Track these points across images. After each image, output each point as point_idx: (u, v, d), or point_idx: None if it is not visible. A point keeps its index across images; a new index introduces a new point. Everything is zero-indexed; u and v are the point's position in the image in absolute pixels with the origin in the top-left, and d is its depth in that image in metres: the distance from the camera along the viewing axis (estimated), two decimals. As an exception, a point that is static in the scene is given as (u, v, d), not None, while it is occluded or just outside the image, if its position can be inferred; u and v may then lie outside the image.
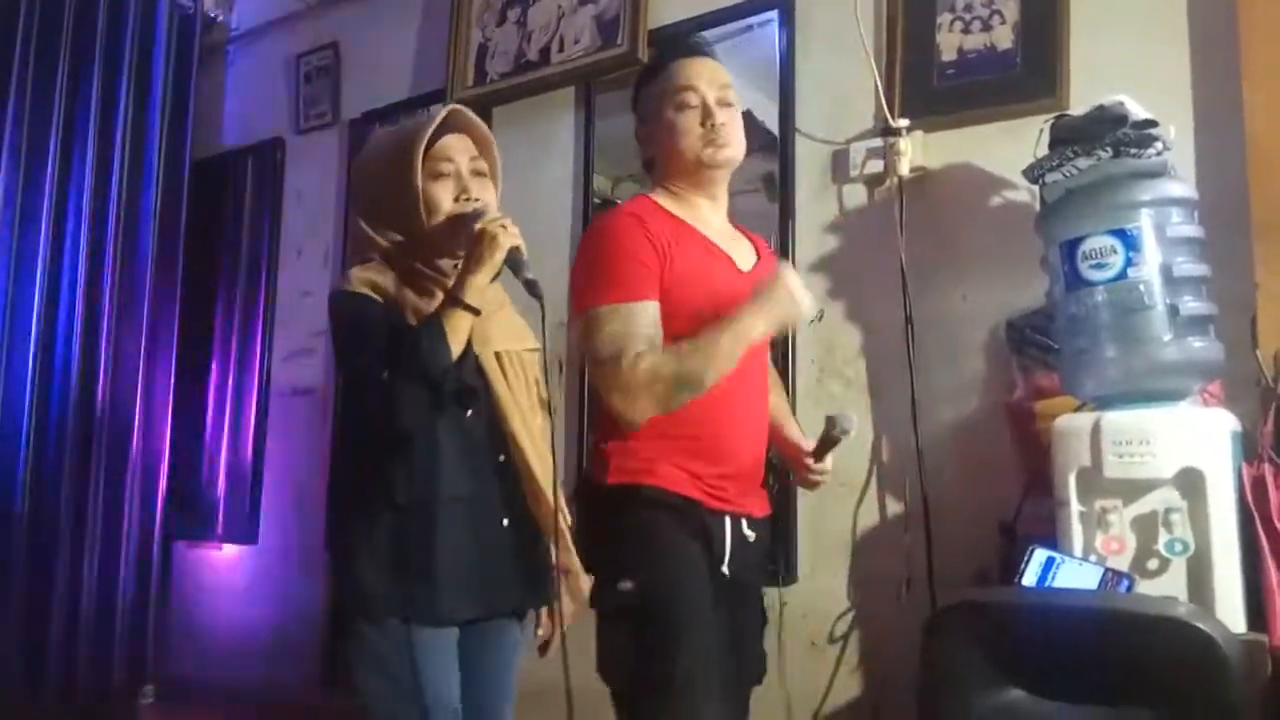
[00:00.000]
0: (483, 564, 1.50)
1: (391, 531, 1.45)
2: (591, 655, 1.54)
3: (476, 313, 1.45)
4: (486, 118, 3.09)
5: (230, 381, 3.72)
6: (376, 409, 1.41)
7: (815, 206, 2.50)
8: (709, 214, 1.71)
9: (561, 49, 2.96)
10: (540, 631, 1.66)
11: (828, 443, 1.71)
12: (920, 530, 2.23)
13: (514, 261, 1.47)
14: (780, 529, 2.44)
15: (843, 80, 2.49)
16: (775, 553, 2.43)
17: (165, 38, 3.65)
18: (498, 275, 1.49)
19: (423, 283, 1.53)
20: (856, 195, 2.46)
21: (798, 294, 1.53)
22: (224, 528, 3.67)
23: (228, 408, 3.71)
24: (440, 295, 1.50)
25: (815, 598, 2.40)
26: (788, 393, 2.46)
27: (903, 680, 1.94)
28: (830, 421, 1.67)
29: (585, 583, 1.60)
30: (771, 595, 2.43)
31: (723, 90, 1.68)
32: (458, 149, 1.56)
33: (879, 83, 2.40)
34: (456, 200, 1.53)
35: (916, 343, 2.29)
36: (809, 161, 2.53)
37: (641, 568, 1.54)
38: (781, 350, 2.46)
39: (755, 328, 1.52)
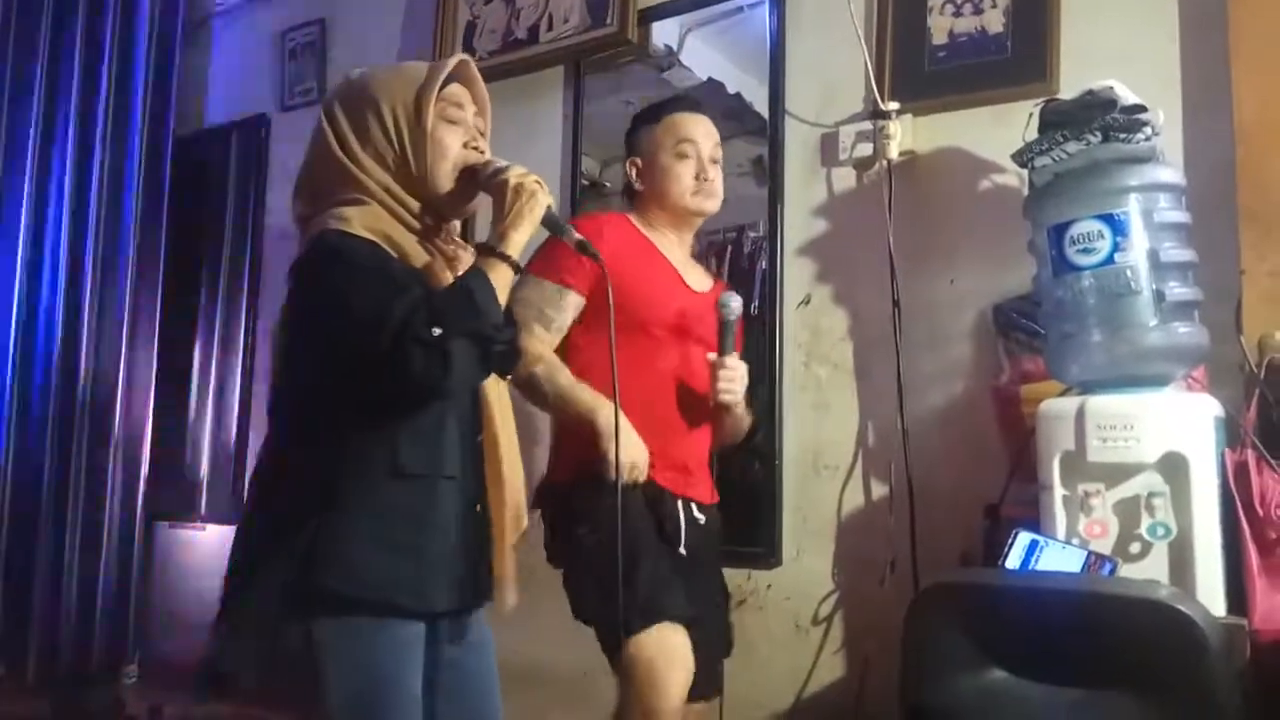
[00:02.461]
0: (464, 550, 1.37)
1: (387, 505, 1.29)
2: (575, 631, 1.59)
3: (519, 270, 1.35)
4: (474, 96, 3.09)
5: (214, 360, 3.70)
6: (421, 368, 1.20)
7: (804, 190, 2.50)
8: (674, 247, 1.98)
9: (550, 27, 2.93)
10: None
11: (720, 329, 1.85)
12: (905, 513, 2.23)
13: (552, 221, 1.39)
14: (765, 511, 2.46)
15: (833, 63, 2.48)
16: (760, 535, 2.45)
17: (148, 11, 3.60)
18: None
19: (434, 245, 1.38)
20: (845, 179, 2.45)
21: (632, 448, 1.73)
22: (207, 507, 3.65)
23: (211, 386, 3.68)
24: (444, 262, 1.37)
25: (799, 580, 2.40)
26: (773, 378, 2.48)
27: (886, 662, 1.95)
28: (719, 304, 1.85)
29: (512, 595, 1.48)
30: (756, 578, 2.45)
31: (715, 149, 1.95)
32: (465, 98, 1.43)
33: (869, 65, 2.39)
34: (465, 147, 1.40)
35: (903, 326, 2.29)
36: (798, 145, 2.52)
37: (594, 518, 1.71)
38: (768, 334, 2.46)
39: (594, 423, 1.73)
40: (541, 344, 1.80)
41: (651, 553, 1.73)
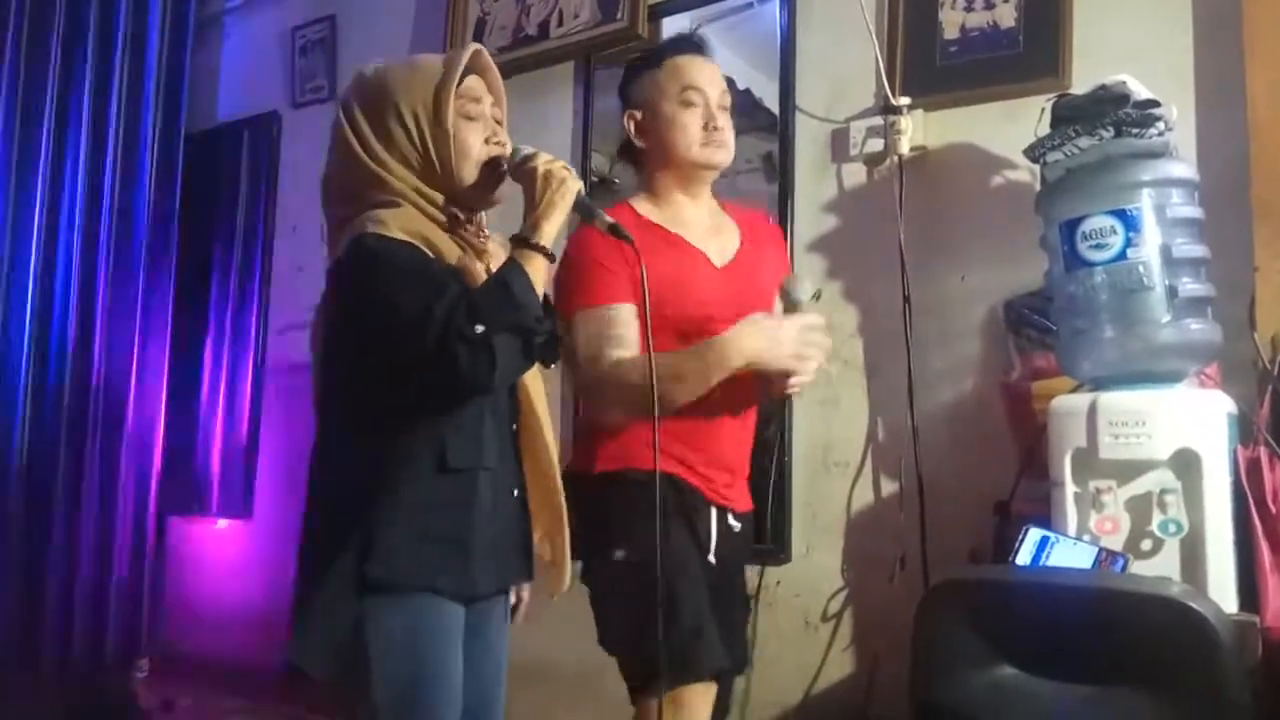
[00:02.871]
0: (501, 535, 1.40)
1: (434, 497, 1.32)
2: (581, 628, 1.55)
3: (553, 259, 1.35)
4: (484, 93, 3.09)
5: (225, 355, 3.71)
6: (468, 365, 1.22)
7: (814, 186, 2.49)
8: (689, 213, 1.76)
9: (560, 23, 2.93)
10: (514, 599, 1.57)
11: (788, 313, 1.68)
12: (915, 509, 2.23)
13: (584, 206, 1.38)
14: (775, 508, 2.46)
15: (843, 58, 2.48)
16: (770, 531, 2.44)
17: (160, 9, 3.61)
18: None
19: (464, 239, 1.40)
20: (856, 174, 2.45)
21: (787, 342, 1.58)
22: (218, 502, 3.67)
23: (222, 382, 3.70)
24: (475, 256, 1.38)
25: (809, 576, 2.40)
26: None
27: (896, 659, 1.95)
28: (782, 292, 1.69)
29: (567, 572, 1.53)
30: (766, 574, 2.45)
31: (724, 95, 1.73)
32: (482, 90, 1.43)
33: (880, 60, 2.39)
34: (487, 143, 1.40)
35: (914, 322, 2.29)
36: (808, 140, 2.52)
37: (631, 535, 1.58)
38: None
39: (731, 359, 1.57)
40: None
41: (693, 587, 1.58)
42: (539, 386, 1.48)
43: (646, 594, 1.49)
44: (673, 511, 1.60)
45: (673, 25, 2.81)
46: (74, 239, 3.37)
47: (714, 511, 1.68)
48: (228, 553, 3.63)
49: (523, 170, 1.37)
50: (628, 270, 1.58)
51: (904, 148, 2.32)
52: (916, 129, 2.32)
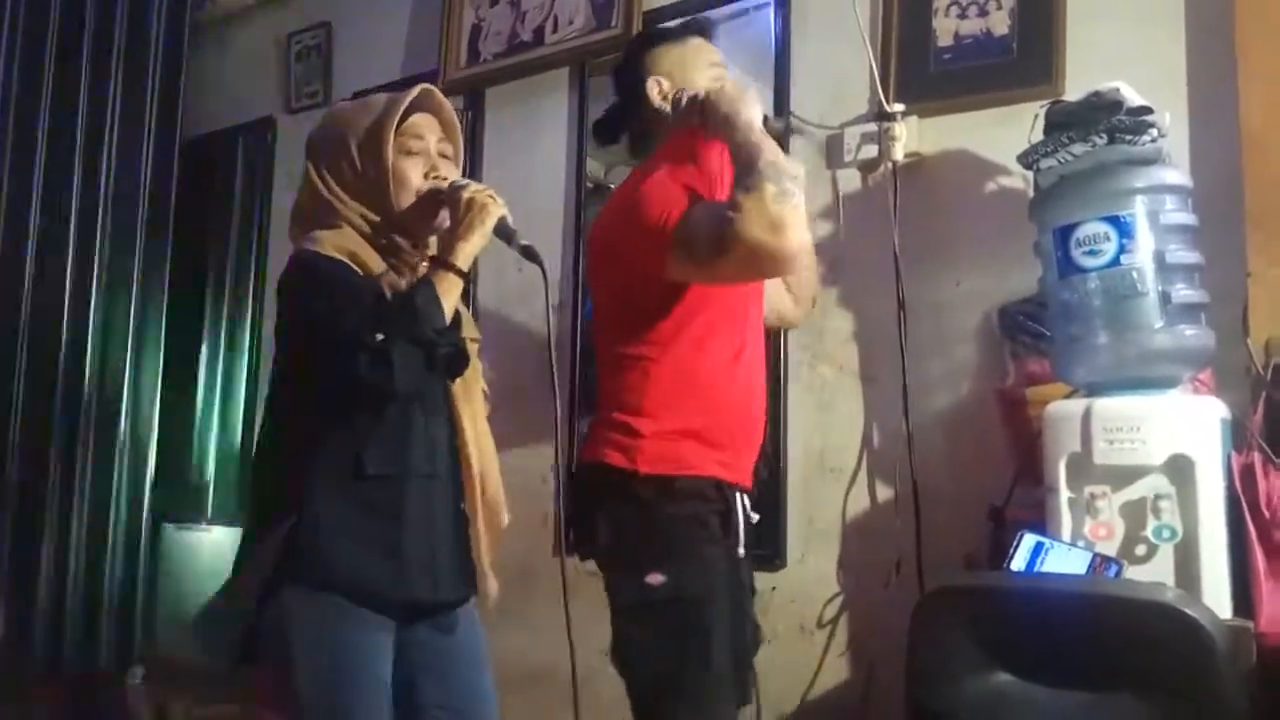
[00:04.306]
0: (439, 546, 1.46)
1: (356, 503, 1.39)
2: (580, 634, 1.55)
3: (466, 278, 1.43)
4: (479, 99, 3.10)
5: (220, 362, 3.70)
6: (367, 372, 1.31)
7: (809, 192, 2.47)
8: None
9: (555, 29, 2.94)
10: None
11: None
12: (910, 515, 2.23)
13: (504, 230, 1.47)
14: (770, 514, 2.45)
15: (838, 65, 2.48)
16: (765, 537, 2.44)
17: (156, 15, 3.60)
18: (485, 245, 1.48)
19: (398, 260, 1.50)
20: (850, 180, 2.45)
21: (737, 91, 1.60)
22: (213, 509, 3.66)
23: (217, 388, 3.69)
24: (412, 274, 1.49)
25: (804, 582, 2.40)
26: (779, 379, 2.48)
27: (891, 664, 1.95)
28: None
29: (493, 586, 1.59)
30: (761, 580, 2.44)
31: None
32: (427, 127, 1.55)
33: (874, 67, 2.39)
34: (426, 178, 1.52)
35: (908, 328, 2.29)
36: (803, 147, 2.52)
37: (674, 563, 1.54)
38: (773, 335, 2.46)
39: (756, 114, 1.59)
40: None
41: (728, 614, 1.55)
42: (476, 404, 1.56)
43: (682, 633, 1.49)
44: (713, 524, 1.59)
45: (668, 32, 2.81)
46: (68, 243, 3.36)
47: (740, 501, 1.66)
48: (222, 560, 3.61)
49: (453, 198, 1.48)
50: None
51: (898, 154, 2.32)
52: (911, 135, 2.33)
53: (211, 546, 3.66)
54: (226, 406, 3.67)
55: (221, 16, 3.89)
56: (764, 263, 1.51)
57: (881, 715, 2.19)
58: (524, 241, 1.48)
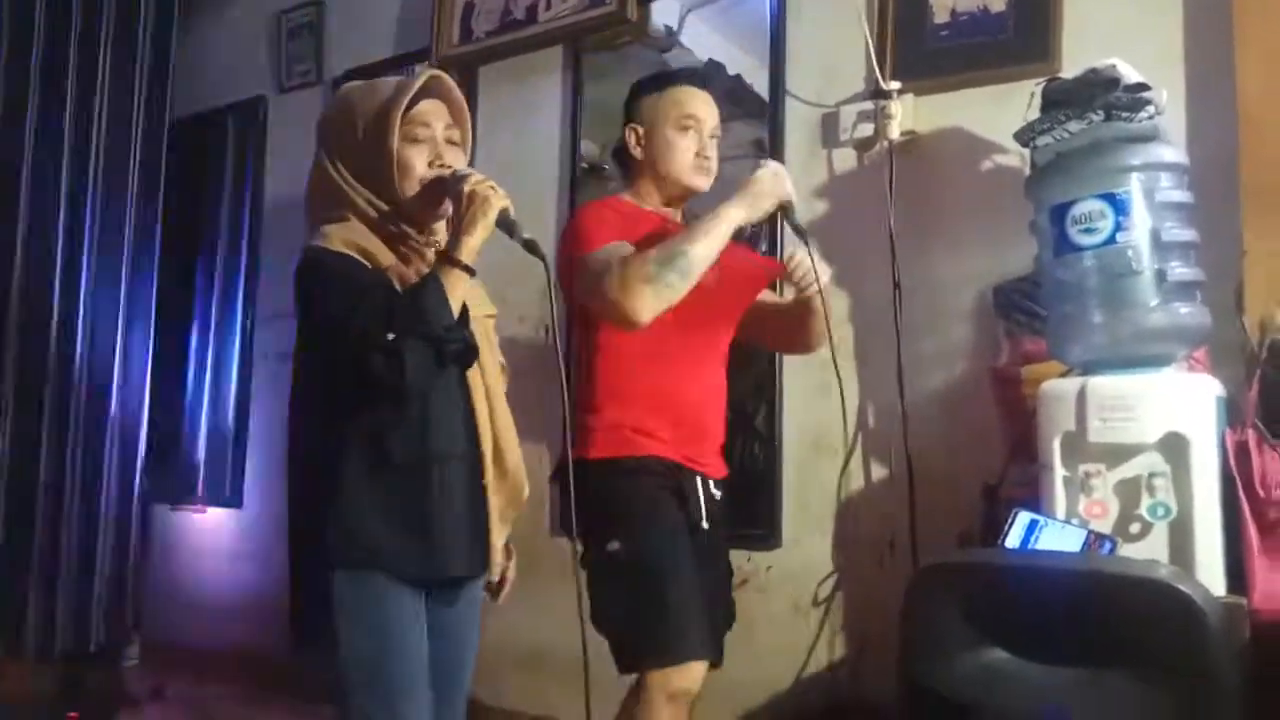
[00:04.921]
0: (471, 522, 1.52)
1: (387, 488, 1.44)
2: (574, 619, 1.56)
3: (472, 273, 1.45)
4: (472, 77, 3.07)
5: (211, 343, 3.69)
6: (382, 370, 1.35)
7: (804, 171, 2.48)
8: (670, 223, 1.94)
9: (549, 7, 2.91)
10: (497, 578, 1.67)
11: (796, 232, 1.87)
12: (904, 494, 2.23)
13: (506, 222, 1.46)
14: (765, 493, 2.46)
15: (833, 43, 2.47)
16: (760, 517, 2.44)
17: (146, -9, 3.57)
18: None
19: (405, 248, 1.52)
20: (846, 160, 2.44)
21: (776, 178, 1.77)
22: (205, 490, 3.65)
23: (208, 370, 3.67)
24: (420, 261, 1.50)
25: (799, 561, 2.41)
26: (774, 360, 2.48)
27: (885, 642, 1.95)
28: (783, 211, 1.84)
29: (501, 564, 1.65)
30: (756, 559, 2.45)
31: (716, 127, 1.92)
32: (435, 115, 1.55)
33: (870, 45, 2.38)
34: (430, 166, 1.52)
35: (904, 308, 2.29)
36: (798, 125, 2.51)
37: (626, 530, 1.74)
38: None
39: (734, 213, 1.73)
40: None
41: (684, 569, 1.72)
42: (495, 385, 1.59)
43: (637, 586, 1.69)
44: (664, 495, 1.77)
45: (662, 9, 2.79)
46: (58, 224, 3.33)
47: (699, 481, 1.83)
48: (215, 542, 3.61)
49: (454, 190, 1.48)
50: (629, 229, 1.80)
51: (894, 132, 2.31)
52: (907, 114, 2.32)
53: (205, 528, 3.66)
54: (217, 387, 3.66)
55: (212, -6, 3.86)
56: (617, 321, 1.71)
57: (874, 693, 2.20)
58: (527, 235, 1.48)
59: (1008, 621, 1.55)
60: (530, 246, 1.48)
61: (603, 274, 1.69)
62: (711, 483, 1.87)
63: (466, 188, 1.45)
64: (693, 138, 1.88)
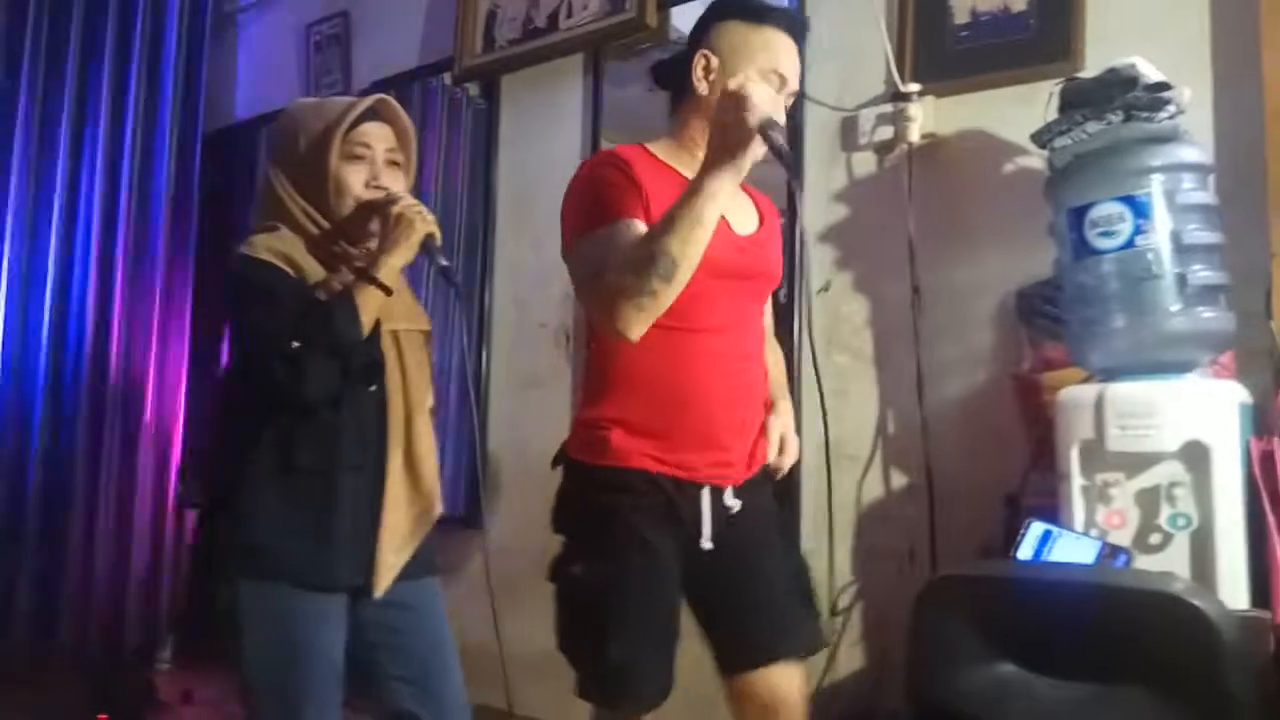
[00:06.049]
0: (369, 532, 1.51)
1: (288, 495, 1.46)
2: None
3: (389, 292, 1.48)
4: (495, 85, 3.09)
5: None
6: (283, 378, 1.40)
7: (823, 175, 2.45)
8: None
9: (570, 15, 2.92)
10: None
11: (778, 157, 1.38)
12: (924, 503, 2.20)
13: (429, 247, 1.51)
14: (785, 502, 2.42)
15: (853, 44, 2.44)
16: (779, 525, 2.41)
17: (178, 8, 3.64)
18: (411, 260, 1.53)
19: (332, 259, 1.55)
20: (866, 163, 2.41)
21: (741, 103, 1.33)
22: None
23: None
24: (347, 273, 1.53)
25: (819, 570, 2.36)
26: (794, 362, 2.44)
27: (904, 653, 1.92)
28: (764, 135, 1.38)
29: (387, 580, 1.58)
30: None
31: (795, 82, 1.60)
32: (377, 136, 1.57)
33: (890, 46, 2.35)
34: (367, 186, 1.55)
35: (924, 313, 2.25)
36: (818, 129, 2.48)
37: (586, 559, 1.54)
38: (787, 321, 2.42)
39: (717, 184, 1.35)
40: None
41: (641, 616, 1.50)
42: (422, 396, 1.60)
43: (586, 623, 1.52)
44: (640, 521, 1.50)
45: (681, 15, 2.78)
46: (92, 236, 3.40)
47: (705, 494, 1.54)
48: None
49: (383, 211, 1.52)
50: (637, 191, 1.49)
51: (914, 135, 2.28)
52: (927, 116, 2.28)
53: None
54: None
55: (240, 8, 3.93)
56: (611, 339, 1.45)
57: (896, 703, 2.15)
58: (444, 262, 1.52)
59: (1019, 635, 1.52)
60: (445, 273, 1.53)
61: (585, 285, 1.47)
62: (728, 492, 1.56)
63: (395, 209, 1.50)
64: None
